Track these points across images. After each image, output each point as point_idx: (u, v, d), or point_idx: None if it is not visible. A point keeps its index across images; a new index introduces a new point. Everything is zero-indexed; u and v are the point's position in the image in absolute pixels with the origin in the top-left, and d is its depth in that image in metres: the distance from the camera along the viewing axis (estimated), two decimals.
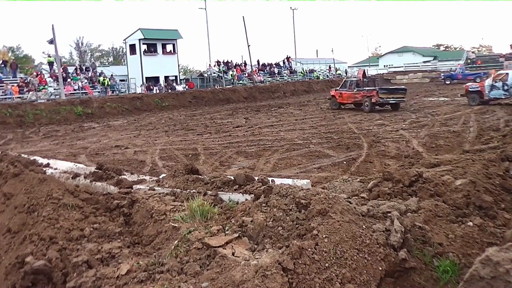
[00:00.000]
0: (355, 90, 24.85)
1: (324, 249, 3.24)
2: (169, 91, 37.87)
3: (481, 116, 19.10)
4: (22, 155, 8.53)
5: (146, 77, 41.27)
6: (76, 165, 8.45)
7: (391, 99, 23.80)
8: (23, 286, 3.56)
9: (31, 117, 25.82)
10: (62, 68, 34.59)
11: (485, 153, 7.90)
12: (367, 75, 28.00)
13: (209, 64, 47.00)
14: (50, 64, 36.88)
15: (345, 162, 11.12)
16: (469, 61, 59.35)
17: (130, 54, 43.20)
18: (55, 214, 4.28)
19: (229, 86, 41.73)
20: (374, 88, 24.61)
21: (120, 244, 4.01)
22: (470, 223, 4.00)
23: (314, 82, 50.29)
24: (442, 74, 50.61)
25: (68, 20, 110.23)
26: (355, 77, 27.76)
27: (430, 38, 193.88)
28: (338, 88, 27.16)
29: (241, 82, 44.92)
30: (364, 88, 24.98)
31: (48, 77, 34.73)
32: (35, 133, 21.79)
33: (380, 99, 23.53)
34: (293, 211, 3.82)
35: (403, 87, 27.94)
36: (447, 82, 46.34)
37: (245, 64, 49.12)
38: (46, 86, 32.40)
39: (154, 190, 5.70)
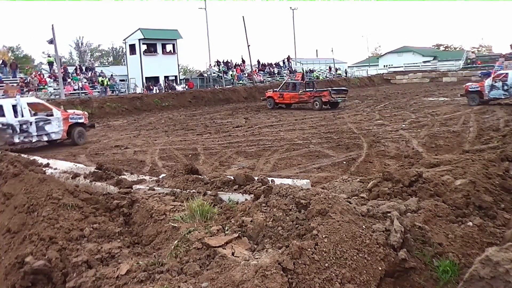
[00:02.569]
0: (300, 91, 27.50)
1: (324, 249, 3.24)
2: (169, 91, 37.86)
3: (481, 116, 19.10)
4: (22, 155, 8.53)
5: (146, 77, 41.26)
6: (76, 165, 8.44)
7: (339, 99, 26.79)
8: (23, 286, 3.56)
9: None
10: (62, 68, 34.60)
11: (485, 153, 7.90)
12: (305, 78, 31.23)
13: (209, 64, 47.04)
14: (50, 64, 36.89)
15: (345, 162, 11.12)
16: (468, 61, 59.35)
17: (130, 54, 43.19)
18: (55, 214, 4.28)
19: (229, 86, 41.71)
20: (325, 89, 28.21)
21: (120, 244, 4.01)
22: (470, 223, 4.00)
23: (314, 82, 50.19)
24: (479, 72, 49.02)
25: (68, 20, 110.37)
26: (294, 80, 30.48)
27: (430, 38, 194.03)
28: (277, 89, 29.46)
29: (241, 82, 44.90)
30: (313, 89, 28.26)
31: (48, 77, 34.72)
32: None
33: (332, 98, 26.34)
34: (293, 211, 3.82)
35: (345, 88, 31.69)
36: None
37: (243, 61, 49.04)
38: (46, 86, 32.41)
39: (154, 190, 5.69)
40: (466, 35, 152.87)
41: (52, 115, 16.32)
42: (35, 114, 16.03)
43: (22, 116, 15.36)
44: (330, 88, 28.60)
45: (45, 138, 16.23)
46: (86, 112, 19.17)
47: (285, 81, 32.23)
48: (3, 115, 14.91)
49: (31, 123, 15.54)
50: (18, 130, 15.17)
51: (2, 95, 21.77)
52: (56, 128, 16.28)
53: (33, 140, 15.79)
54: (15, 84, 30.49)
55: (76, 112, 18.03)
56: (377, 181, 5.27)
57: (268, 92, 30.21)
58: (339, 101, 26.86)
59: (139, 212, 4.69)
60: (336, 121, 20.23)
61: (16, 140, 15.17)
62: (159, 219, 4.36)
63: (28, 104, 16.05)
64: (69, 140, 16.83)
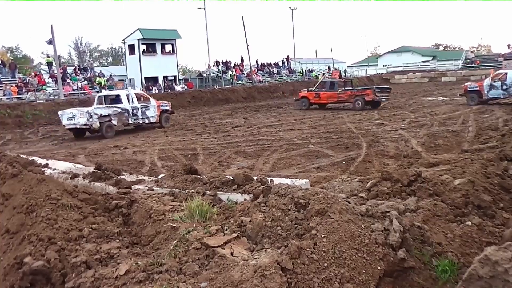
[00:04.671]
0: (339, 90, 25.87)
1: (323, 249, 3.24)
2: (168, 91, 37.85)
3: (480, 115, 19.11)
4: (21, 155, 8.53)
5: (145, 77, 41.23)
6: (74, 165, 8.45)
7: (383, 97, 25.21)
8: (22, 287, 3.56)
9: (30, 118, 25.79)
10: (61, 69, 34.57)
11: (483, 153, 7.90)
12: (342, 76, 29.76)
13: (208, 64, 47.00)
14: (49, 64, 36.84)
15: (344, 162, 11.12)
16: (468, 60, 59.40)
17: (129, 54, 43.14)
18: (54, 215, 4.28)
19: (228, 86, 41.71)
20: (368, 87, 26.56)
21: (119, 245, 4.01)
22: (469, 223, 4.01)
23: (313, 82, 50.15)
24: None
25: (67, 20, 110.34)
26: (331, 78, 28.68)
27: (429, 38, 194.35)
28: (311, 89, 27.99)
29: (240, 82, 44.89)
30: (351, 87, 26.59)
31: (48, 77, 34.69)
32: (34, 134, 21.78)
33: (376, 97, 24.69)
34: (292, 211, 3.81)
35: (389, 86, 29.90)
36: None
37: (243, 61, 49.01)
38: (45, 87, 32.36)
39: (153, 190, 5.70)
40: (465, 35, 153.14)
41: (150, 103, 20.61)
42: (140, 102, 20.16)
43: (133, 103, 19.74)
44: (374, 86, 27.08)
45: (146, 121, 20.41)
46: (169, 103, 22.90)
47: (320, 80, 30.22)
48: (121, 102, 19.33)
49: (138, 109, 19.92)
50: (131, 114, 19.57)
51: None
52: (153, 113, 20.55)
53: (140, 122, 20.11)
54: (14, 85, 30.50)
55: (164, 102, 22.42)
56: (376, 180, 5.27)
57: (301, 92, 28.45)
58: (383, 100, 25.37)
59: (138, 212, 4.69)
60: (335, 121, 20.24)
61: (130, 121, 19.64)
62: (158, 219, 4.36)
63: (136, 94, 20.75)
64: (158, 123, 20.92)
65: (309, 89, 28.63)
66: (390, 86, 30.06)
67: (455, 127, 16.12)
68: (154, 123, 20.80)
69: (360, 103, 24.76)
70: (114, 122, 18.87)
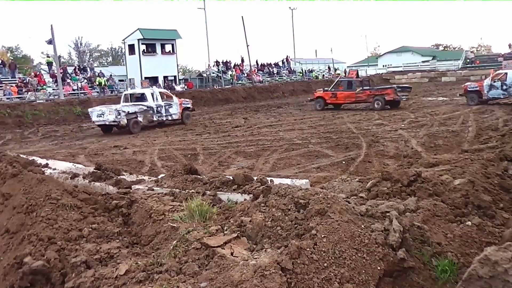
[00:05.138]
0: (357, 89, 25.01)
1: (323, 249, 3.24)
2: (168, 91, 37.82)
3: (479, 115, 19.11)
4: (21, 155, 8.53)
5: (145, 77, 41.19)
6: (75, 165, 8.45)
7: (403, 97, 24.49)
8: (22, 287, 3.56)
9: (30, 118, 25.79)
10: (61, 69, 34.57)
11: (483, 153, 7.89)
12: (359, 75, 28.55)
13: (208, 64, 47.02)
14: (49, 64, 36.84)
15: (344, 162, 11.12)
16: (468, 60, 59.40)
17: (129, 54, 43.11)
18: (54, 215, 4.28)
19: (228, 86, 41.72)
20: (388, 86, 25.56)
21: (119, 244, 4.01)
22: (469, 223, 4.01)
23: (313, 82, 50.23)
24: None
25: (67, 20, 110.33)
26: (348, 78, 27.74)
27: (429, 38, 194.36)
28: (327, 89, 27.22)
29: (240, 82, 44.90)
30: (369, 87, 25.68)
31: (49, 77, 34.69)
32: (34, 134, 21.78)
33: (397, 97, 24.01)
34: (292, 211, 3.81)
35: (409, 85, 28.26)
36: None
37: (243, 61, 49.01)
38: (45, 87, 32.37)
39: (153, 190, 5.70)
40: (465, 35, 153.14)
41: (173, 101, 21.90)
42: (163, 100, 21.43)
43: (157, 101, 20.98)
44: (395, 86, 25.88)
45: (169, 118, 21.61)
46: (191, 100, 24.71)
47: (337, 79, 28.81)
48: (146, 100, 20.62)
49: (162, 106, 21.12)
50: (155, 111, 20.78)
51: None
52: (175, 110, 21.82)
53: (163, 119, 21.28)
54: (14, 85, 30.50)
55: (185, 99, 24.00)
56: (376, 180, 5.27)
57: (317, 92, 27.44)
58: (403, 99, 24.71)
59: (138, 212, 4.69)
60: (335, 121, 20.24)
61: (154, 118, 20.77)
62: (158, 219, 4.36)
63: (159, 92, 21.78)
64: (180, 120, 22.12)
65: (325, 89, 27.87)
66: (410, 86, 28.47)
67: (455, 127, 16.12)
68: (176, 120, 21.98)
69: (380, 103, 23.97)
70: (140, 119, 20.10)
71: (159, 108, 20.95)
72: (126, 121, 19.36)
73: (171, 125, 21.44)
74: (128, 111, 19.56)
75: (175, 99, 22.23)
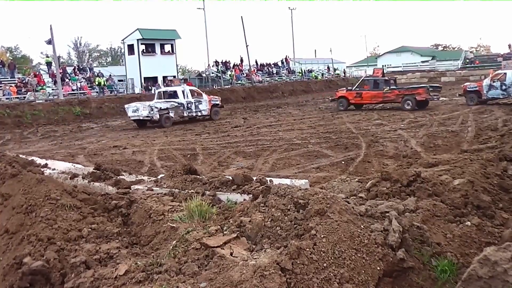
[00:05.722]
0: (385, 89, 23.94)
1: (322, 249, 3.24)
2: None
3: (479, 115, 19.12)
4: (20, 155, 8.52)
5: (144, 77, 41.22)
6: (74, 166, 8.44)
7: (435, 97, 23.67)
8: (21, 287, 3.55)
9: (29, 118, 25.79)
10: (61, 69, 34.55)
11: (483, 153, 7.90)
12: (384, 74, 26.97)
13: (208, 64, 47.05)
14: (48, 64, 36.81)
15: (343, 162, 11.12)
16: (467, 61, 59.45)
17: (128, 54, 43.10)
18: (53, 215, 4.27)
19: (227, 86, 41.71)
20: (420, 85, 24.47)
21: (118, 245, 4.01)
22: (468, 223, 4.01)
23: (313, 82, 50.31)
24: None
25: (66, 20, 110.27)
26: (374, 77, 26.14)
27: (428, 38, 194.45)
28: (351, 88, 26.39)
29: (239, 82, 44.89)
30: (395, 86, 24.77)
31: (48, 77, 34.66)
32: (33, 134, 21.78)
33: (430, 96, 23.07)
34: (291, 211, 3.81)
35: (439, 84, 27.10)
36: None
37: (242, 61, 49.01)
38: (44, 87, 32.35)
39: (152, 190, 5.69)
40: (464, 35, 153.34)
41: (202, 98, 23.41)
42: (193, 97, 22.95)
43: (188, 98, 22.58)
44: (427, 85, 24.76)
45: (199, 114, 23.16)
46: (219, 97, 26.01)
47: (362, 78, 27.54)
48: (178, 97, 22.31)
49: (192, 103, 22.71)
50: (186, 107, 22.43)
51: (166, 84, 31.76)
52: (205, 107, 23.28)
53: (193, 115, 22.83)
54: (13, 85, 30.49)
55: (214, 96, 25.11)
56: (376, 181, 5.28)
57: (339, 91, 26.38)
58: (434, 99, 23.66)
59: (138, 212, 4.69)
60: (334, 121, 20.24)
61: (185, 114, 22.50)
62: (158, 220, 4.36)
63: (190, 90, 23.45)
64: (209, 116, 23.49)
65: (348, 88, 27.08)
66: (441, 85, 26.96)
67: (454, 127, 16.12)
68: (206, 116, 23.42)
69: (411, 103, 22.80)
70: (172, 114, 21.75)
71: (189, 105, 22.49)
72: (158, 117, 21.08)
73: (199, 121, 22.94)
74: (161, 107, 21.29)
75: (204, 96, 23.79)
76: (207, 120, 22.99)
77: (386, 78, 26.05)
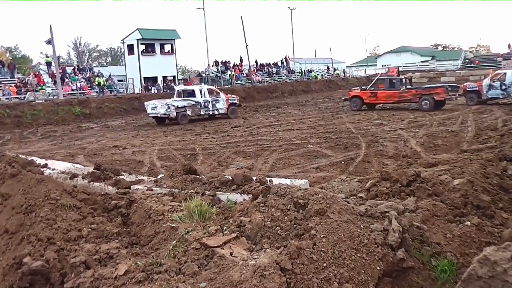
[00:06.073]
0: (401, 89, 23.44)
1: (322, 249, 3.24)
2: (167, 91, 37.82)
3: (479, 115, 19.14)
4: (20, 155, 8.52)
5: (144, 77, 41.20)
6: (74, 166, 8.43)
7: (453, 97, 23.08)
8: (21, 287, 3.55)
9: (29, 118, 25.78)
10: (60, 69, 34.54)
11: (483, 153, 7.91)
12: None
13: (207, 64, 47.03)
14: (48, 64, 36.80)
15: (343, 162, 11.13)
16: (467, 61, 59.47)
17: (128, 54, 43.07)
18: (53, 215, 4.27)
19: (227, 86, 41.67)
20: (438, 85, 24.01)
21: (118, 245, 4.00)
22: (468, 223, 4.01)
23: (312, 82, 50.30)
24: None
25: (66, 20, 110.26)
26: (389, 76, 25.28)
27: (428, 38, 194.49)
28: (365, 87, 26.10)
29: (239, 82, 44.88)
30: (411, 86, 24.19)
31: (48, 77, 34.65)
32: (33, 134, 21.77)
33: (449, 96, 22.46)
34: (291, 211, 3.81)
35: (457, 84, 26.08)
36: None
37: (242, 61, 49.00)
38: (44, 87, 32.33)
39: (152, 190, 5.69)
40: (464, 35, 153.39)
41: (219, 97, 24.29)
42: (211, 96, 23.94)
43: (205, 96, 23.53)
44: (446, 84, 24.04)
45: (216, 112, 24.07)
46: (237, 96, 26.73)
47: (377, 77, 26.76)
48: (195, 96, 23.28)
49: (209, 102, 23.65)
50: (203, 106, 23.39)
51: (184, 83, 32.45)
52: (222, 105, 24.17)
53: (210, 113, 23.87)
54: (13, 85, 30.48)
55: (232, 95, 26.00)
56: (375, 181, 5.28)
57: (353, 90, 25.89)
58: (453, 98, 23.01)
59: (137, 212, 4.68)
60: (334, 121, 20.24)
61: (201, 112, 23.48)
62: (157, 220, 4.36)
63: (207, 89, 24.44)
64: (226, 114, 24.28)
65: (362, 87, 26.71)
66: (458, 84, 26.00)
67: (454, 127, 16.13)
68: (223, 114, 24.23)
69: (429, 103, 22.17)
70: (189, 112, 22.77)
71: (206, 103, 23.45)
72: (175, 114, 22.09)
73: (216, 119, 23.79)
74: (178, 105, 22.36)
75: (222, 95, 24.63)
76: (224, 118, 23.72)
77: (402, 77, 25.49)
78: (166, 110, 21.95)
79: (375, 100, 24.36)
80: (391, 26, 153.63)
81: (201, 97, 23.36)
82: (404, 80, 24.58)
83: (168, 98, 26.51)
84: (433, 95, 22.34)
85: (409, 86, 24.33)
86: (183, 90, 24.54)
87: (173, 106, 22.11)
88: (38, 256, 3.70)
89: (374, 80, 26.06)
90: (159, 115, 22.36)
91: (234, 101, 25.15)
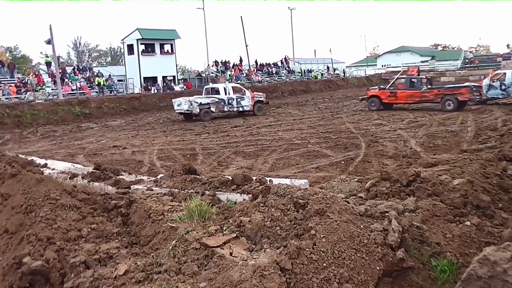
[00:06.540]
0: (423, 88, 22.65)
1: (322, 249, 3.24)
2: (167, 91, 37.83)
3: (478, 115, 19.14)
4: (20, 155, 8.51)
5: (144, 77, 41.20)
6: (74, 166, 8.42)
7: (477, 97, 22.49)
8: (21, 287, 3.55)
9: (29, 118, 25.77)
10: (60, 69, 34.52)
11: (482, 153, 7.91)
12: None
13: (207, 64, 47.01)
14: (48, 64, 36.78)
15: (343, 162, 11.13)
16: (466, 60, 59.49)
17: (128, 54, 43.07)
18: (53, 215, 4.27)
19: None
20: (462, 85, 23.33)
21: (118, 245, 4.00)
22: (468, 223, 4.01)
23: (312, 82, 50.29)
24: None
25: (66, 20, 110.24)
26: (410, 75, 24.76)
27: (428, 38, 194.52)
28: (383, 87, 25.71)
29: (239, 82, 44.83)
30: (431, 85, 23.64)
31: (48, 77, 34.64)
32: (33, 134, 21.77)
33: (473, 96, 21.81)
34: (291, 211, 3.81)
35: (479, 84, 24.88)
36: None
37: (242, 61, 48.99)
38: (43, 87, 32.32)
39: (152, 190, 5.68)
40: (464, 35, 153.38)
41: (244, 94, 25.40)
42: (235, 94, 24.96)
43: (229, 94, 24.66)
44: (471, 84, 23.07)
45: (241, 109, 25.12)
46: (264, 94, 28.08)
47: (397, 77, 25.98)
48: (219, 94, 24.50)
49: (233, 99, 24.76)
50: (226, 103, 24.53)
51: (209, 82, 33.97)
52: (247, 103, 25.26)
53: (234, 110, 24.92)
54: (12, 85, 30.48)
55: (258, 93, 27.22)
56: (375, 181, 5.28)
57: (370, 90, 25.22)
58: (477, 99, 22.44)
59: (137, 212, 4.68)
60: (334, 121, 20.24)
61: (225, 109, 24.63)
62: (157, 219, 4.36)
63: (232, 87, 25.54)
64: (252, 111, 25.28)
65: (381, 87, 26.27)
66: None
67: (454, 127, 16.14)
68: (249, 111, 25.25)
69: (452, 104, 21.44)
70: (212, 109, 23.95)
71: (230, 101, 24.55)
72: (198, 110, 23.42)
73: (242, 116, 24.83)
74: (201, 102, 23.74)
75: (247, 93, 25.70)
76: (250, 116, 24.75)
77: (423, 76, 24.84)
78: (188, 106, 23.29)
79: (394, 100, 23.65)
80: (391, 26, 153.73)
81: (225, 94, 24.42)
82: (425, 80, 23.72)
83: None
84: (457, 95, 21.63)
85: (433, 86, 23.75)
86: (212, 88, 25.74)
87: (196, 103, 23.47)
88: (38, 256, 3.70)
89: (394, 79, 25.50)
90: (182, 111, 23.82)
91: (261, 99, 26.02)
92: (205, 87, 27.05)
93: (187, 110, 23.48)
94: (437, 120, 18.24)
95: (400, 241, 3.50)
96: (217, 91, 24.84)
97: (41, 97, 29.83)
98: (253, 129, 18.58)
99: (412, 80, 23.53)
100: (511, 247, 2.75)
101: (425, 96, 22.60)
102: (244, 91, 25.80)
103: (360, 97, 27.26)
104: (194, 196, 4.84)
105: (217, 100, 24.15)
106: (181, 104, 23.69)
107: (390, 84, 25.02)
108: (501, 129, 14.68)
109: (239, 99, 24.89)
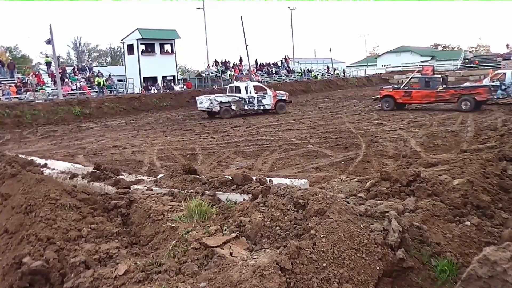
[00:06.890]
0: (439, 88, 22.17)
1: (322, 249, 3.24)
2: (167, 91, 37.83)
3: (478, 115, 19.14)
4: (20, 155, 8.51)
5: (144, 77, 41.19)
6: (73, 166, 8.42)
7: (494, 97, 22.18)
8: (21, 287, 3.55)
9: (29, 118, 25.76)
10: (60, 68, 34.52)
11: (482, 153, 7.91)
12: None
13: (207, 64, 47.02)
14: (48, 64, 36.77)
15: (343, 162, 11.13)
16: (466, 60, 59.49)
17: (128, 54, 43.06)
18: (53, 215, 4.27)
19: (227, 86, 41.66)
20: (480, 84, 22.97)
21: (118, 245, 4.00)
22: (468, 223, 4.01)
23: (312, 82, 50.30)
24: None
25: (66, 20, 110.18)
26: (425, 75, 23.70)
27: (428, 38, 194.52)
28: (397, 86, 25.42)
29: None
30: (446, 84, 23.10)
31: (48, 77, 34.63)
32: (33, 134, 21.76)
33: (491, 96, 21.50)
34: (291, 211, 3.81)
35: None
36: None
37: (241, 61, 48.99)
38: (43, 87, 32.31)
39: (152, 190, 5.68)
40: (464, 35, 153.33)
41: (266, 93, 25.74)
42: (257, 93, 25.38)
43: (250, 93, 25.11)
44: (489, 84, 22.44)
45: (262, 108, 25.50)
46: (287, 93, 28.57)
47: (411, 76, 25.57)
48: (240, 92, 25.10)
49: (254, 98, 25.22)
50: (247, 101, 25.03)
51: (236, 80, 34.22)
52: (268, 101, 25.62)
53: (255, 108, 25.28)
54: (12, 85, 30.47)
55: (281, 92, 27.35)
56: (375, 180, 5.28)
57: (384, 90, 24.55)
58: (495, 99, 22.23)
59: (137, 212, 4.68)
60: (334, 121, 20.25)
61: (246, 107, 25.04)
62: (157, 219, 4.35)
63: (254, 86, 25.97)
64: (274, 110, 25.61)
65: (395, 86, 25.87)
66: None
67: (454, 127, 16.14)
68: (270, 110, 25.61)
69: (469, 104, 20.99)
70: (233, 107, 24.49)
71: (251, 99, 25.03)
72: (218, 108, 23.98)
73: (264, 114, 25.04)
74: (221, 100, 24.28)
75: (269, 92, 25.97)
76: (272, 114, 24.91)
77: (438, 76, 24.31)
78: (209, 104, 23.94)
79: (409, 100, 23.20)
80: (391, 26, 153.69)
81: (246, 93, 24.93)
82: (440, 80, 23.20)
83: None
84: (474, 95, 21.10)
85: (449, 86, 23.39)
86: (236, 86, 26.23)
87: (216, 101, 24.05)
88: (38, 256, 3.70)
89: (408, 78, 25.11)
90: (203, 109, 24.45)
91: (283, 98, 26.33)
92: (229, 85, 27.86)
93: (208, 108, 24.03)
94: (437, 120, 18.24)
95: (400, 241, 3.50)
96: (238, 90, 25.37)
97: (41, 97, 29.82)
98: (253, 129, 18.58)
99: (427, 79, 22.94)
100: (511, 247, 2.75)
101: (441, 96, 22.16)
102: (266, 90, 26.18)
103: (373, 97, 27.13)
104: (194, 196, 4.84)
105: (237, 98, 24.66)
106: (203, 102, 24.28)
107: (404, 83, 24.59)
108: (501, 129, 14.69)
109: (260, 98, 25.28)
